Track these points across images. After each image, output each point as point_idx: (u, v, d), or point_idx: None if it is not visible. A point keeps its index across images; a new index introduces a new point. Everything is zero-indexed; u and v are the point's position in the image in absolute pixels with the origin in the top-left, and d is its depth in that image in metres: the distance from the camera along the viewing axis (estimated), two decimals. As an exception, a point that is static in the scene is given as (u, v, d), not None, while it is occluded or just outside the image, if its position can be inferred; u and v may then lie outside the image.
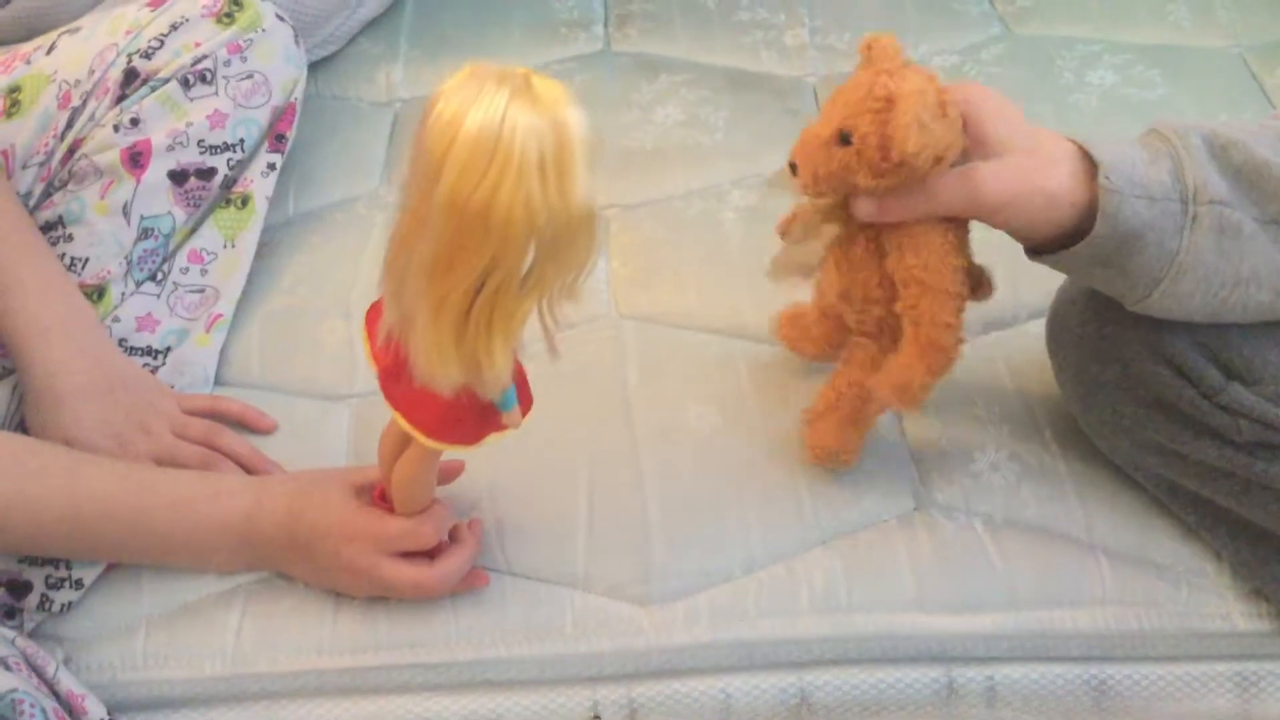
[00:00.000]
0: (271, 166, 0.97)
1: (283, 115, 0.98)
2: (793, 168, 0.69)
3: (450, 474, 0.79)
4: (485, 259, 0.50)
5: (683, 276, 0.96)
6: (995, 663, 0.76)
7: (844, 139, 0.67)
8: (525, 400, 0.63)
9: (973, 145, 0.68)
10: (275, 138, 0.98)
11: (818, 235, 0.74)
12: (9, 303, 0.81)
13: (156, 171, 0.90)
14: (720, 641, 0.76)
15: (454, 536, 0.75)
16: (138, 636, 0.75)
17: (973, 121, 0.67)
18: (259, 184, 0.96)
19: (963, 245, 0.71)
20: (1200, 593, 0.77)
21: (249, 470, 0.82)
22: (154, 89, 0.91)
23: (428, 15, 1.25)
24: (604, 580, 0.77)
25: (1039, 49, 1.20)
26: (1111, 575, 0.77)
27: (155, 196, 0.90)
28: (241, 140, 0.94)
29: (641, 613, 0.76)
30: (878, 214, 0.68)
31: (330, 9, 1.16)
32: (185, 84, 0.92)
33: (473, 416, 0.61)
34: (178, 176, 0.90)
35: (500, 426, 0.62)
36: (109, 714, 0.67)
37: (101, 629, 0.76)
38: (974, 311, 0.90)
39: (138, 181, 0.89)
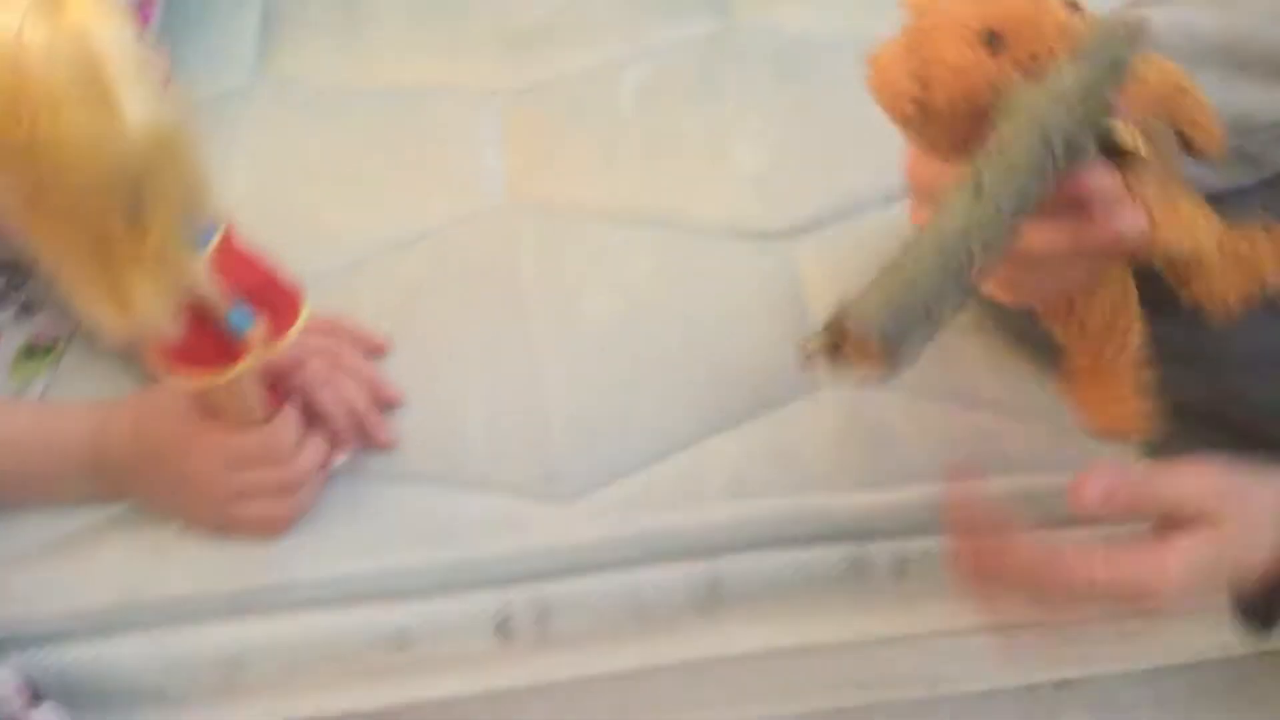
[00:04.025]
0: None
1: (142, 4, 0.92)
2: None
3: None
4: (64, 199, 0.46)
5: (578, 161, 0.92)
6: (904, 536, 0.75)
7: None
8: (283, 315, 0.60)
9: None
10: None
11: None
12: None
13: None
14: (628, 534, 0.74)
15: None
16: (15, 571, 0.72)
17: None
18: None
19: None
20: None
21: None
22: None
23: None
24: (506, 480, 0.75)
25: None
26: (1024, 440, 0.76)
27: None
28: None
29: (546, 510, 0.74)
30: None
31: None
32: None
33: (208, 347, 0.58)
34: None
35: (244, 350, 0.59)
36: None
37: (-23, 565, 0.73)
38: (881, 182, 0.88)
39: None
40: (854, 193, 0.89)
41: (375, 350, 0.79)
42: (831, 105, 0.95)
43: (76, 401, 0.74)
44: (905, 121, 0.57)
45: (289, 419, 0.69)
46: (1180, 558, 0.53)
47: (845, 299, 0.54)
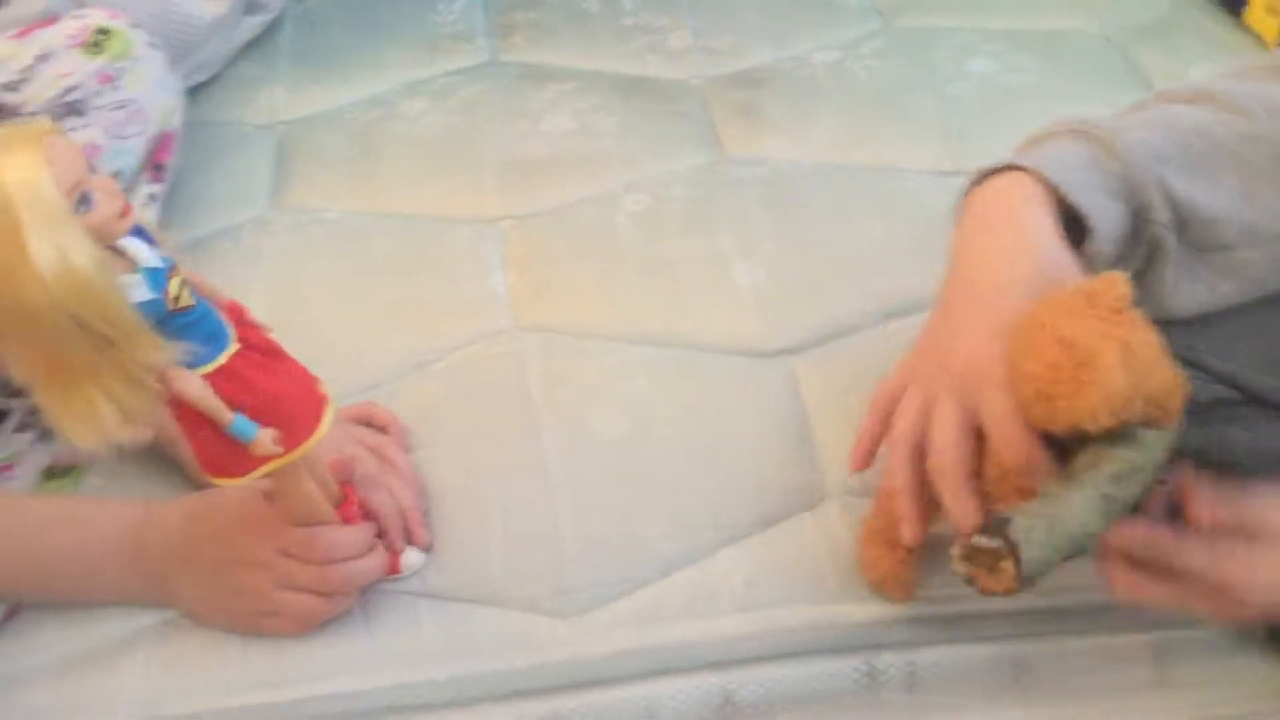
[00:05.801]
0: (152, 197, 0.95)
1: (161, 144, 0.96)
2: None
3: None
4: (10, 329, 0.51)
5: (580, 285, 0.96)
6: (915, 647, 0.77)
7: None
8: (301, 426, 0.64)
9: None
10: (154, 167, 0.95)
11: None
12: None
13: None
14: (640, 648, 0.75)
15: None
16: (38, 687, 0.72)
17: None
18: (140, 216, 0.93)
19: None
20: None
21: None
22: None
23: (307, 34, 1.23)
24: (520, 596, 0.76)
25: (917, 40, 1.22)
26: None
27: None
28: (119, 171, 0.91)
29: (560, 625, 0.76)
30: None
31: (204, 33, 1.13)
32: (55, 117, 0.89)
33: (228, 452, 0.62)
34: None
35: (263, 457, 0.62)
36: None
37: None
38: (873, 302, 0.93)
39: None
40: (845, 314, 0.93)
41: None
42: (819, 231, 1.00)
43: (116, 498, 0.77)
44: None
45: (356, 530, 0.72)
46: (1269, 565, 0.59)
47: (1009, 527, 0.59)
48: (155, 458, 0.81)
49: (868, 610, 0.76)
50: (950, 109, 1.12)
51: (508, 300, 0.95)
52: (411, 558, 0.77)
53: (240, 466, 0.63)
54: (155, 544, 0.73)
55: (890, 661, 0.76)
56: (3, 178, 0.49)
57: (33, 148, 0.51)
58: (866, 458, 0.74)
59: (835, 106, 1.13)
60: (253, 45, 1.21)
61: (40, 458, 0.82)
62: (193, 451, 0.63)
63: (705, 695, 0.75)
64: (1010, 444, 0.62)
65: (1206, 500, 0.62)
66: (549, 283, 0.96)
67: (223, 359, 0.60)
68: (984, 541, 0.60)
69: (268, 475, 0.64)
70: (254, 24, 1.20)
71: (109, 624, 0.75)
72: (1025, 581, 0.59)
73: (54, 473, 0.82)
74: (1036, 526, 0.59)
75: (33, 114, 0.88)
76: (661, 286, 0.95)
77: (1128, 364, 0.57)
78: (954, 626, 0.77)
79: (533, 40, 1.23)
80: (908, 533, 0.70)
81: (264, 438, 0.62)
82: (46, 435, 0.83)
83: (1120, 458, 0.60)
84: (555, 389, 0.87)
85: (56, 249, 0.50)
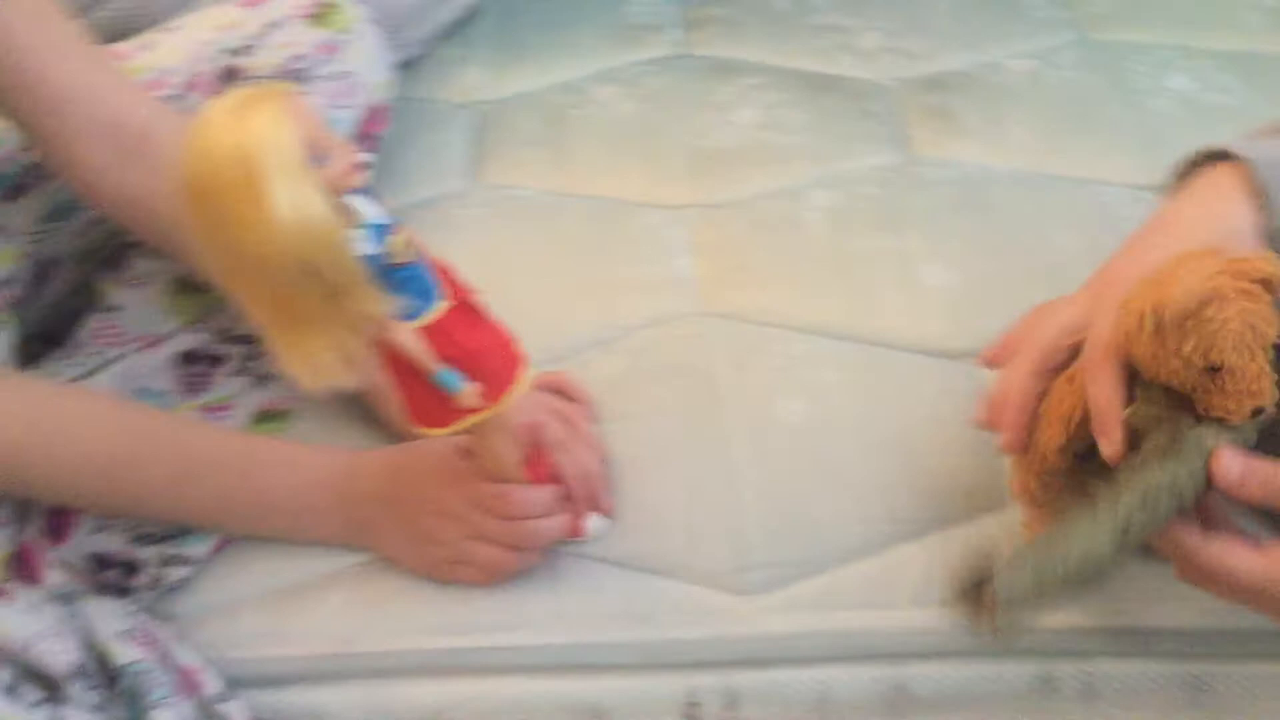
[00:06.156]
0: (366, 165, 0.98)
1: (373, 115, 1.00)
2: None
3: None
4: (245, 275, 0.55)
5: (767, 274, 0.97)
6: (1092, 658, 0.76)
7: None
8: (501, 381, 0.66)
9: None
10: (366, 137, 0.99)
11: None
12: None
13: None
14: (816, 632, 0.76)
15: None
16: (243, 615, 0.77)
17: None
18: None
19: None
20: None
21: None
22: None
23: (506, 20, 1.27)
24: (701, 570, 0.78)
25: (1113, 54, 1.20)
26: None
27: None
28: (334, 139, 0.96)
29: (738, 601, 0.77)
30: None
31: (409, 13, 1.17)
32: (280, 83, 0.93)
33: (433, 403, 0.65)
34: None
35: (465, 409, 0.65)
36: (226, 687, 0.69)
37: (209, 607, 0.77)
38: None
39: None
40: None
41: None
42: (1009, 235, 0.99)
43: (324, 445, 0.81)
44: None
45: (545, 491, 0.75)
46: None
47: (998, 563, 0.63)
48: (358, 408, 0.85)
49: (1045, 618, 0.76)
50: (1148, 124, 1.10)
51: (694, 284, 0.96)
52: (595, 523, 0.79)
53: (444, 418, 0.66)
54: (359, 491, 0.77)
55: (1067, 670, 0.76)
56: (248, 131, 0.52)
57: (275, 105, 0.54)
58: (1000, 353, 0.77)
59: (1029, 114, 1.12)
60: (455, 28, 1.25)
61: (253, 401, 0.87)
62: (401, 401, 0.66)
63: (878, 685, 0.76)
64: (1091, 359, 0.64)
65: (1239, 471, 0.59)
66: (735, 270, 0.97)
67: (433, 314, 0.63)
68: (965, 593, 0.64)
69: (467, 429, 0.67)
70: (456, 7, 1.25)
71: (312, 562, 0.79)
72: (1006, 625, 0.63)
73: (266, 416, 0.86)
74: (1021, 575, 0.62)
75: (260, 79, 0.93)
76: (849, 281, 0.95)
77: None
78: (1133, 640, 0.76)
79: (722, 35, 1.25)
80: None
81: (468, 390, 0.64)
82: (261, 380, 0.88)
83: (1160, 471, 0.61)
84: (740, 373, 0.89)
85: (294, 200, 0.53)
